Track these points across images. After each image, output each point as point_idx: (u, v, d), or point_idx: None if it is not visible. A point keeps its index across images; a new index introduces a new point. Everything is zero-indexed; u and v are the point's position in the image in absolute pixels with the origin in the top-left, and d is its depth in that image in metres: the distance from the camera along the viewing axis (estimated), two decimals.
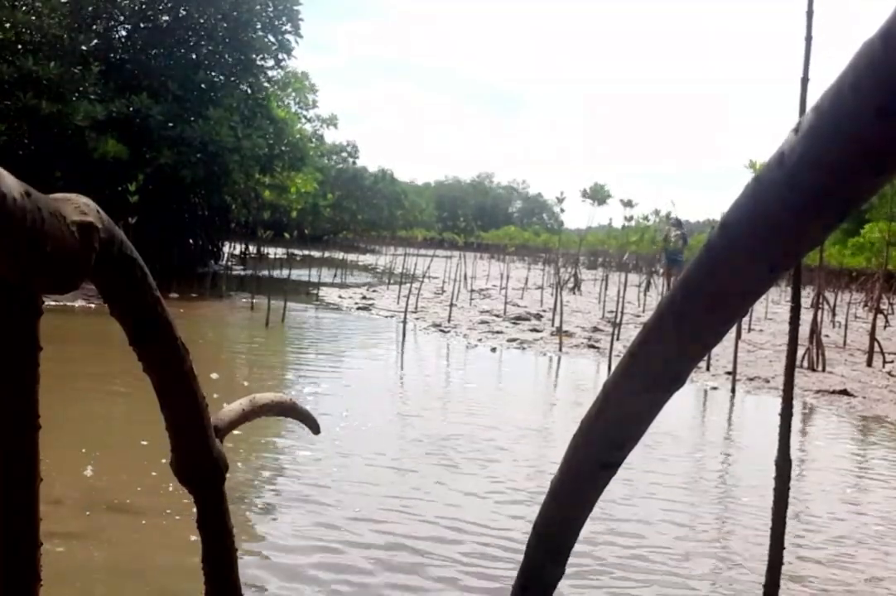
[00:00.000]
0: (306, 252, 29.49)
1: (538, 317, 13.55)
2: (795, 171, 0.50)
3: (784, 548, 2.14)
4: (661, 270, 21.84)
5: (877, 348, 10.07)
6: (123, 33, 17.24)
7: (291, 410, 1.43)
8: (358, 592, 3.05)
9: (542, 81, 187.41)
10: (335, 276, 21.58)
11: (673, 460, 5.25)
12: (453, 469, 4.75)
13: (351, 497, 4.10)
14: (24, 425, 0.80)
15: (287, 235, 24.56)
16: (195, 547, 1.06)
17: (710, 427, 6.77)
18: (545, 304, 15.53)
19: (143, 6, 16.79)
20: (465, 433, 5.58)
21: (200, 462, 1.00)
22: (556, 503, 0.82)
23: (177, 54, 16.86)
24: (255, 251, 27.20)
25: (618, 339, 9.82)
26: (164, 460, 3.97)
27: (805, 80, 2.19)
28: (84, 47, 15.91)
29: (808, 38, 2.22)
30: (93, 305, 10.32)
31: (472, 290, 18.10)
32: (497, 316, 13.35)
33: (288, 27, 17.70)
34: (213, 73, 17.52)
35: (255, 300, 12.80)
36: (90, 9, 15.97)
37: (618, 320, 10.72)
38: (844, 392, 7.96)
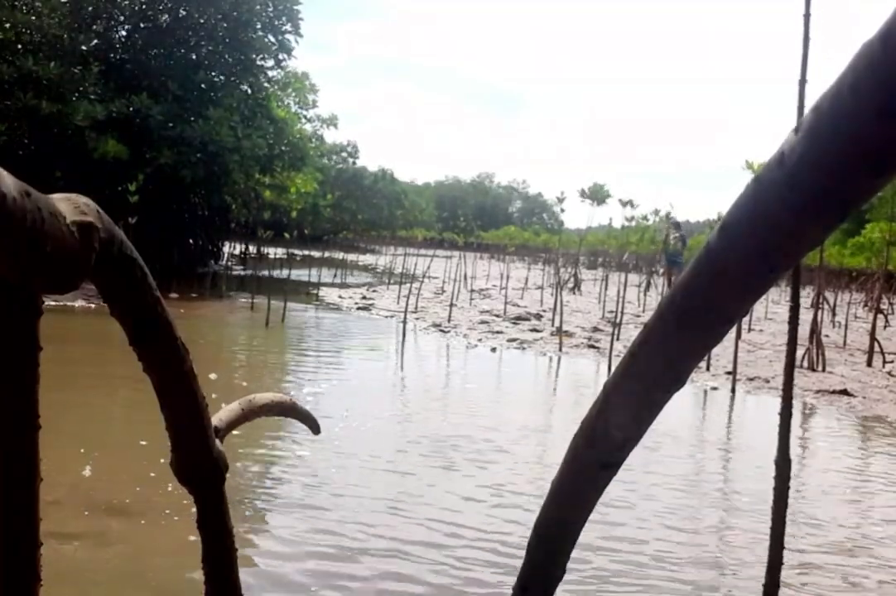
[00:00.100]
0: (306, 252, 29.49)
1: (538, 317, 13.55)
2: (795, 171, 0.50)
3: (784, 548, 2.14)
4: (661, 270, 21.86)
5: (877, 348, 10.07)
6: (123, 33, 17.25)
7: (291, 410, 1.43)
8: None
9: (542, 81, 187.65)
10: (335, 276, 21.58)
11: (673, 461, 5.25)
12: (453, 471, 4.74)
13: (349, 499, 4.10)
14: (24, 425, 0.80)
15: (287, 235, 24.56)
16: (195, 547, 1.06)
17: (711, 427, 6.77)
18: (545, 304, 15.53)
19: (143, 6, 16.79)
20: (464, 434, 5.58)
21: (200, 462, 1.00)
22: (557, 504, 0.82)
23: (177, 54, 16.86)
24: (255, 251, 27.20)
25: (618, 339, 9.82)
26: (162, 460, 3.97)
27: (802, 82, 2.19)
28: (84, 47, 15.92)
29: (806, 40, 2.22)
30: (93, 305, 10.32)
31: (472, 290, 18.10)
32: (497, 316, 13.35)
33: (288, 27, 17.71)
34: (213, 73, 17.52)
35: (255, 300, 12.80)
36: (90, 9, 15.97)
37: (618, 320, 10.72)
38: (844, 392, 7.96)
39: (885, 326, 14.19)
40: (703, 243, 0.61)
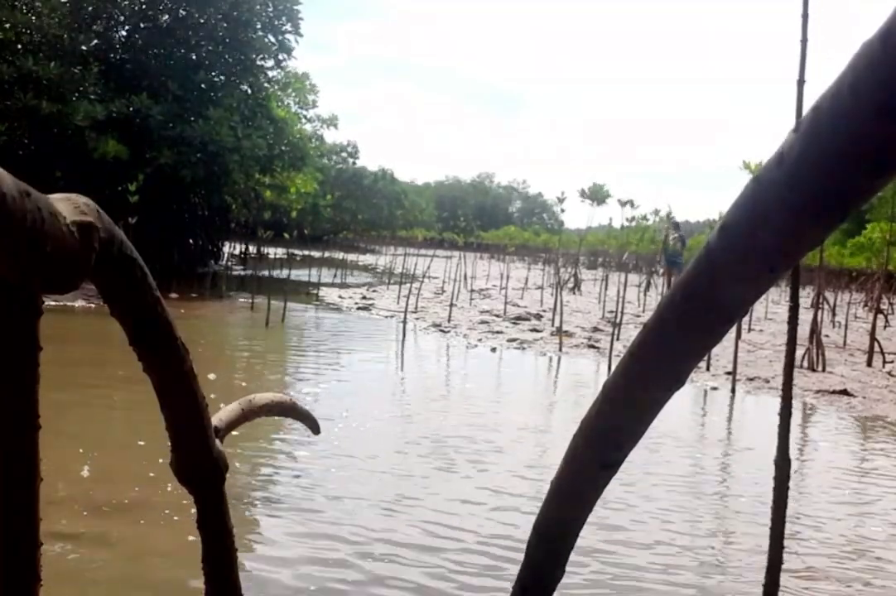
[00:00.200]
0: (306, 252, 29.49)
1: (538, 317, 13.55)
2: (795, 171, 0.50)
3: (784, 548, 2.14)
4: (661, 270, 21.87)
5: (877, 348, 10.07)
6: (123, 33, 17.25)
7: (291, 410, 1.43)
8: None
9: (542, 81, 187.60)
10: (335, 276, 21.58)
11: (672, 461, 5.25)
12: (452, 472, 4.74)
13: (347, 500, 4.09)
14: (24, 425, 0.80)
15: (287, 235, 24.57)
16: (195, 547, 1.06)
17: (710, 427, 6.77)
18: (545, 304, 15.53)
19: (143, 6, 16.80)
20: (464, 434, 5.58)
21: (200, 462, 1.00)
22: (557, 503, 0.82)
23: (177, 54, 16.86)
24: (255, 251, 27.20)
25: (618, 339, 9.82)
26: (161, 460, 3.97)
27: (801, 82, 2.19)
28: (84, 47, 15.92)
29: (804, 41, 2.22)
30: (93, 305, 10.32)
31: (472, 290, 18.10)
32: (497, 316, 13.35)
33: (288, 27, 17.71)
34: (213, 73, 17.52)
35: (255, 300, 12.80)
36: (90, 9, 15.97)
37: (618, 320, 10.72)
38: (844, 392, 7.96)
39: (885, 326, 14.19)
40: (703, 243, 0.61)
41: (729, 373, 8.37)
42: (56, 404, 4.91)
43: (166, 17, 17.06)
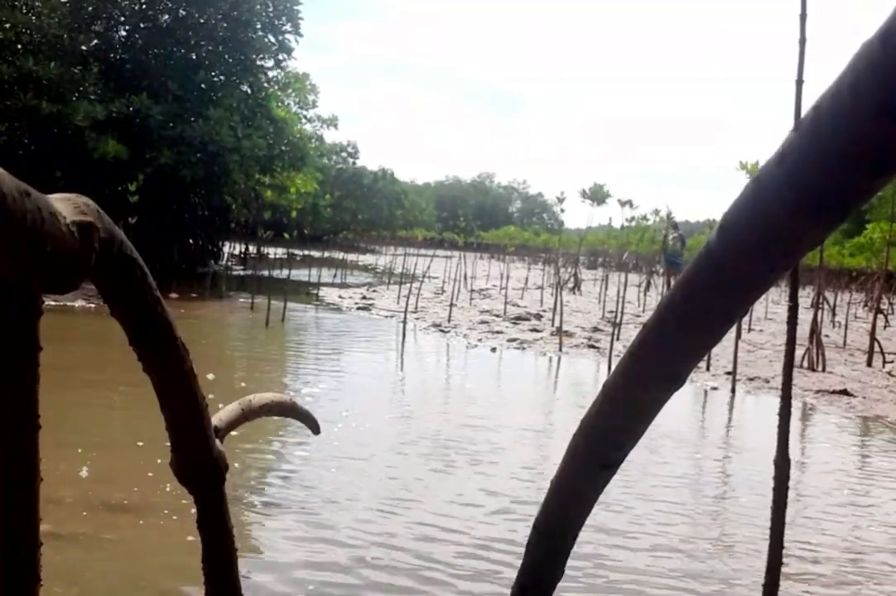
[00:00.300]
0: (306, 252, 29.49)
1: (538, 317, 13.55)
2: (795, 171, 0.50)
3: (784, 548, 2.14)
4: (661, 270, 21.87)
5: (877, 348, 10.07)
6: (123, 33, 17.26)
7: (292, 411, 1.43)
8: None
9: (542, 81, 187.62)
10: (335, 276, 21.58)
11: (672, 461, 5.25)
12: (452, 473, 4.74)
13: (346, 501, 4.09)
14: (24, 425, 0.80)
15: (287, 235, 24.57)
16: (194, 547, 1.06)
17: (710, 427, 6.77)
18: (545, 304, 15.53)
19: (143, 6, 16.80)
20: (464, 434, 5.58)
21: (200, 462, 1.00)
22: (557, 503, 0.82)
23: (177, 54, 16.86)
24: (255, 251, 27.21)
25: (618, 339, 9.82)
26: (159, 460, 3.97)
27: (800, 82, 2.19)
28: (84, 47, 15.93)
29: (802, 41, 2.22)
30: (93, 305, 10.32)
31: (472, 291, 18.10)
32: (497, 316, 13.35)
33: (288, 27, 17.72)
34: (213, 73, 17.52)
35: (255, 300, 12.80)
36: (90, 9, 15.97)
37: (618, 320, 10.72)
38: (844, 392, 7.96)
39: (885, 326, 14.19)
40: (702, 243, 0.61)
41: (729, 373, 8.37)
42: (56, 404, 4.91)
43: (166, 17, 17.07)
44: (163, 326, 0.84)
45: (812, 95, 0.48)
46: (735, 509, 4.37)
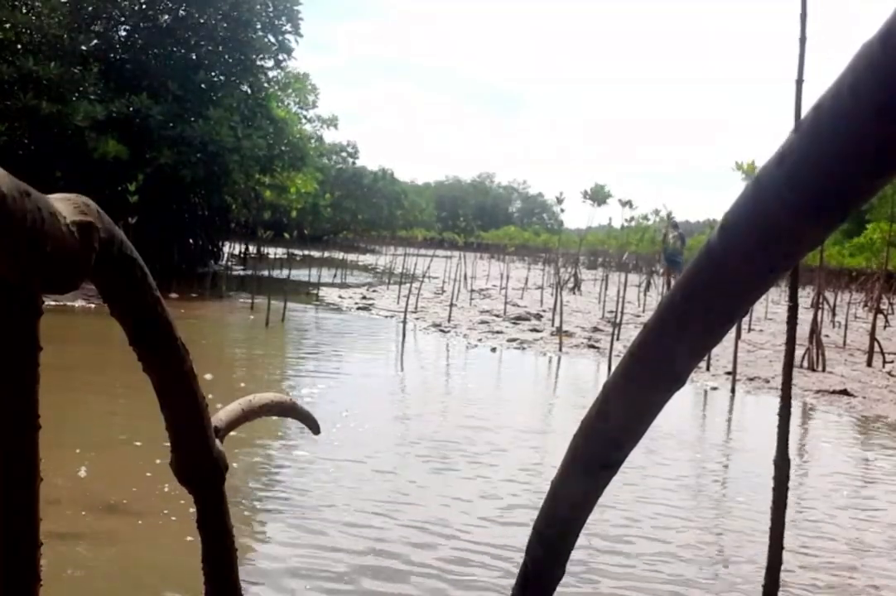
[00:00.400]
0: (306, 252, 29.49)
1: (538, 317, 13.55)
2: (795, 171, 0.50)
3: (783, 548, 2.14)
4: (661, 270, 21.87)
5: (877, 348, 10.07)
6: (123, 33, 17.26)
7: (292, 411, 1.43)
8: None
9: (542, 81, 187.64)
10: (335, 276, 21.58)
11: (672, 461, 5.25)
12: (452, 474, 4.74)
13: (346, 502, 4.09)
14: (24, 425, 0.80)
15: (287, 235, 24.58)
16: (194, 547, 1.06)
17: (710, 427, 6.77)
18: (545, 304, 15.53)
19: (143, 6, 16.80)
20: (464, 435, 5.58)
21: (200, 462, 1.00)
22: (557, 503, 0.82)
23: (177, 54, 16.86)
24: (255, 251, 27.21)
25: (618, 339, 9.82)
26: (159, 461, 3.97)
27: (800, 82, 2.19)
28: (84, 47, 15.93)
29: (803, 41, 2.22)
30: (93, 305, 10.32)
31: (472, 291, 18.11)
32: (497, 316, 13.35)
33: (288, 27, 17.71)
34: (213, 73, 17.52)
35: (255, 300, 12.80)
36: (90, 9, 15.97)
37: (618, 320, 10.72)
38: (844, 392, 7.96)
39: (885, 326, 14.19)
40: (702, 243, 0.61)
41: (729, 373, 8.37)
42: (56, 404, 4.91)
43: (166, 17, 17.06)
44: (163, 326, 0.84)
45: (812, 95, 0.48)
46: (735, 510, 4.37)
